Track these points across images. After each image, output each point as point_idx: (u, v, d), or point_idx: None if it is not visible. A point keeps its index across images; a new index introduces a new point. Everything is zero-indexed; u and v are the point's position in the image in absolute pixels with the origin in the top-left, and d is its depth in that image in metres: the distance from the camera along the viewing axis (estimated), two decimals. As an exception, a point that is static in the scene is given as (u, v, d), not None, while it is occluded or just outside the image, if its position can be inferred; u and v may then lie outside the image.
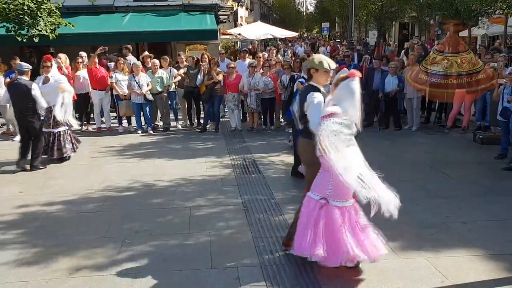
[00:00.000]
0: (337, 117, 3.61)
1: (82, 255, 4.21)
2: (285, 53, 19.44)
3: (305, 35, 55.10)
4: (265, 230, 4.68)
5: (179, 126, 10.59)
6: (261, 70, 9.94)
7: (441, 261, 4.00)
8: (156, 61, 10.09)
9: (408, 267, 3.92)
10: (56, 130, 7.54)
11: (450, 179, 6.42)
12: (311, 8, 71.67)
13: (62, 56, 9.81)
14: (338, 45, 24.16)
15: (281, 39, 28.90)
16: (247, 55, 12.04)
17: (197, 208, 5.40)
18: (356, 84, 3.74)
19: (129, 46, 11.34)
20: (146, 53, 10.96)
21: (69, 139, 7.74)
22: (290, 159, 6.98)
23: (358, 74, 3.79)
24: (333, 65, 4.00)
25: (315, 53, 15.79)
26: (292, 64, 9.82)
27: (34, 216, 5.24)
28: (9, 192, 6.17)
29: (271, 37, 23.98)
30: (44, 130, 7.40)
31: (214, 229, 4.77)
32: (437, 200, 5.56)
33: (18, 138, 7.62)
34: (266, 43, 29.06)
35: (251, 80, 9.78)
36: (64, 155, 7.61)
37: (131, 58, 10.86)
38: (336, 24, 51.98)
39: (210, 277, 3.77)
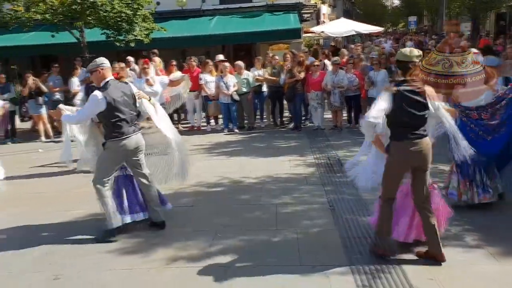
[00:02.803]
0: None
1: (178, 247, 4.49)
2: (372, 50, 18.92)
3: (390, 30, 53.17)
4: (353, 230, 4.65)
5: (265, 125, 10.81)
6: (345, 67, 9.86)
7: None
8: (227, 64, 10.40)
9: (510, 274, 3.69)
10: None
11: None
12: (396, 2, 68.91)
13: (157, 59, 10.41)
14: (426, 40, 23.01)
15: (366, 35, 28.18)
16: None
17: (283, 206, 5.50)
18: None
19: (155, 51, 11.29)
20: (221, 57, 11.20)
21: None
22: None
23: None
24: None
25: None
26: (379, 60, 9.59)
27: (133, 209, 5.66)
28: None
29: (354, 33, 23.49)
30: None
31: (300, 227, 4.83)
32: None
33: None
34: (349, 39, 28.49)
35: (335, 78, 9.71)
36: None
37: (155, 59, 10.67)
38: (424, 18, 49.54)
39: (300, 275, 3.83)
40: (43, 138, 10.24)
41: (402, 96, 3.70)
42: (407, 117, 3.73)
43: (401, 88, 3.73)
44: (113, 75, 5.00)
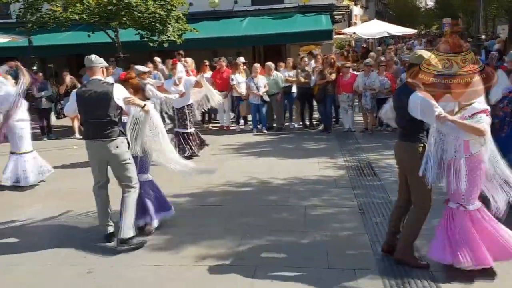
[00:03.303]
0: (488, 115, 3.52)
1: (206, 245, 4.53)
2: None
3: (423, 32, 52.09)
4: (383, 235, 4.56)
5: (294, 126, 10.79)
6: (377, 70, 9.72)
7: None
8: (257, 65, 10.46)
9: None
10: (188, 130, 8.01)
11: None
12: (430, 4, 67.49)
13: (189, 60, 10.54)
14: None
15: (399, 37, 27.75)
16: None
17: (312, 208, 5.47)
18: None
19: (181, 52, 11.35)
20: (242, 59, 11.23)
21: (197, 140, 8.15)
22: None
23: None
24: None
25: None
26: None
27: (164, 206, 5.75)
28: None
29: (387, 35, 23.17)
30: (179, 130, 7.97)
31: (329, 229, 4.80)
32: None
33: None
34: (381, 41, 28.11)
35: (366, 80, 9.60)
36: (192, 154, 7.96)
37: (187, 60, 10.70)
38: (459, 20, 48.35)
39: (329, 277, 3.81)
40: (77, 135, 10.52)
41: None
42: None
43: None
44: (121, 75, 5.00)
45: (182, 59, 10.35)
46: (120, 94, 4.39)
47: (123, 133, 4.50)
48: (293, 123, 10.89)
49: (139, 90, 4.77)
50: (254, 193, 6.17)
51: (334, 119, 10.65)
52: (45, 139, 10.56)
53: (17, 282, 4.03)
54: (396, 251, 3.99)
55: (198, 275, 3.97)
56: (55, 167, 7.32)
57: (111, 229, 4.69)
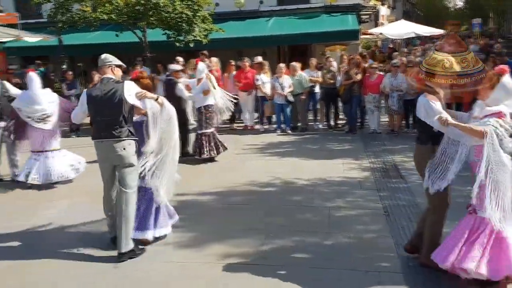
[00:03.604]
0: (503, 119, 3.36)
1: (230, 244, 4.56)
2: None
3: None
4: (408, 238, 4.51)
5: (318, 127, 10.74)
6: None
7: None
8: (282, 65, 10.43)
9: None
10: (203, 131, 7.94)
11: None
12: (460, 4, 66.07)
13: (214, 59, 10.61)
14: (492, 43, 21.89)
15: (427, 37, 27.23)
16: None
17: (336, 209, 5.44)
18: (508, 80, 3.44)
19: (205, 52, 11.23)
20: (260, 58, 11.16)
21: (212, 142, 7.98)
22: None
23: (506, 69, 3.48)
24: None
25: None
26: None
27: (188, 204, 5.79)
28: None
29: (414, 35, 22.78)
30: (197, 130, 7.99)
31: (353, 231, 4.76)
32: None
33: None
34: (408, 41, 27.65)
35: (393, 81, 9.49)
36: (211, 155, 7.90)
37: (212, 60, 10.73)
38: (490, 20, 47.21)
39: (353, 279, 3.79)
40: None
41: None
42: None
43: None
44: (133, 74, 4.97)
45: (206, 59, 10.43)
46: (131, 90, 4.32)
47: (132, 134, 4.36)
48: (317, 124, 10.84)
49: (150, 91, 4.61)
50: (278, 193, 6.17)
51: (359, 120, 10.55)
52: (74, 136, 10.81)
53: (41, 276, 4.14)
54: (421, 254, 3.94)
55: (221, 273, 4.00)
56: (86, 162, 7.48)
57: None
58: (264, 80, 10.42)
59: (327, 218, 5.17)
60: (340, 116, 10.81)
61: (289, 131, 10.32)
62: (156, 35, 12.63)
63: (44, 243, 4.79)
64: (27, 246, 4.75)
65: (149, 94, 4.38)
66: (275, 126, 10.68)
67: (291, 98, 10.17)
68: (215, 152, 7.88)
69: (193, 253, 4.40)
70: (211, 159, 7.91)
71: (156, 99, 4.37)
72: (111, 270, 4.14)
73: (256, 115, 11.21)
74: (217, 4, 14.06)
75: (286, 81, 10.15)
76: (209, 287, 3.82)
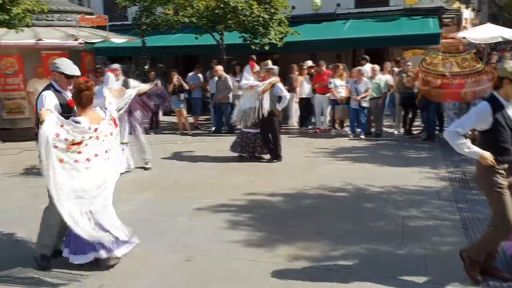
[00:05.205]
0: None
1: (300, 246, 4.57)
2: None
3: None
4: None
5: (395, 133, 10.44)
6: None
7: None
8: (361, 68, 10.33)
9: None
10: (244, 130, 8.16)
11: None
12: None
13: (269, 62, 10.53)
14: None
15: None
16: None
17: (410, 218, 5.27)
18: None
19: (253, 56, 10.81)
20: (310, 62, 11.29)
21: (251, 143, 8.12)
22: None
23: None
24: None
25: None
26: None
27: (260, 204, 5.90)
28: (235, 180, 7.05)
29: (501, 40, 21.32)
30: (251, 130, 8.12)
31: (429, 242, 4.58)
32: None
33: None
34: (493, 46, 25.92)
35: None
36: (261, 155, 8.09)
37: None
38: None
39: (426, 291, 3.67)
40: (189, 131, 11.22)
41: None
42: None
43: None
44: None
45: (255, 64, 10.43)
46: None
47: None
48: (393, 130, 10.53)
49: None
50: (348, 199, 6.09)
51: (438, 128, 10.09)
52: (152, 133, 11.37)
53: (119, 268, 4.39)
54: (468, 248, 3.88)
55: (291, 275, 4.01)
56: (162, 158, 7.88)
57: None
58: (337, 84, 10.31)
59: (400, 227, 5.01)
60: (416, 123, 10.42)
61: (362, 136, 10.11)
62: (232, 38, 12.94)
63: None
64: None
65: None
66: (347, 129, 10.53)
67: (365, 104, 9.97)
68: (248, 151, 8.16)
69: (263, 253, 4.45)
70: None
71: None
72: (185, 263, 4.30)
73: (328, 118, 11.12)
74: (293, 7, 14.09)
75: (363, 85, 9.95)
76: None
